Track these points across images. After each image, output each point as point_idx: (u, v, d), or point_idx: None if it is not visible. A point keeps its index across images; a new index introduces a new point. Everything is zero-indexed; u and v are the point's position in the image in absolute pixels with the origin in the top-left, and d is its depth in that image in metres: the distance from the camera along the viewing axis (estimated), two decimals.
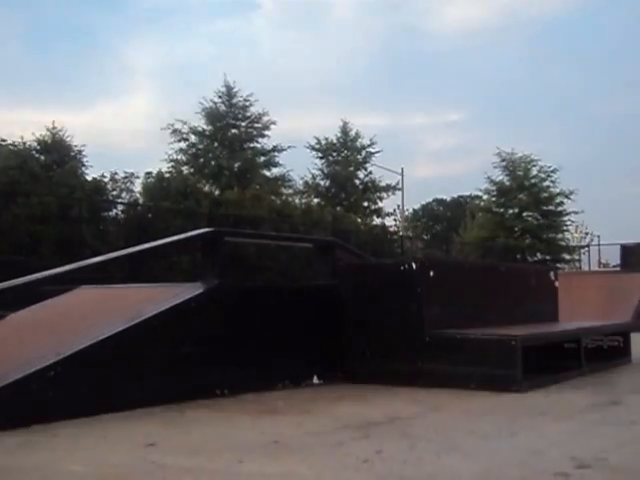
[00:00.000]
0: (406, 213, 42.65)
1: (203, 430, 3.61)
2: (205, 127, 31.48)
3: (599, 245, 35.21)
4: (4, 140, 21.15)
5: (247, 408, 4.18)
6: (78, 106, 53.97)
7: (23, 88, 58.28)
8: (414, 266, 5.28)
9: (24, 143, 22.46)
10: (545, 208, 35.46)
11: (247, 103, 31.65)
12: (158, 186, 21.31)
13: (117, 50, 61.20)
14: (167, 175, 23.26)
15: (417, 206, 55.70)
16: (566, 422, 3.81)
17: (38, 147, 23.85)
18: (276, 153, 32.13)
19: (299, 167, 45.20)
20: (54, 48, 63.93)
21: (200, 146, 31.32)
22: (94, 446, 3.19)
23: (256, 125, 31.90)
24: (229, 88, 31.57)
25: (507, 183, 35.44)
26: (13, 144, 21.39)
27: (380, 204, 36.29)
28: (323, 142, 35.56)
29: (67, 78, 57.67)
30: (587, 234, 38.34)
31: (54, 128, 24.78)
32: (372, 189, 35.86)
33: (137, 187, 21.47)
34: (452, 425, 3.73)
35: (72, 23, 58.00)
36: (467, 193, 48.02)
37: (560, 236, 36.44)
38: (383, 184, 36.11)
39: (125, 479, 2.68)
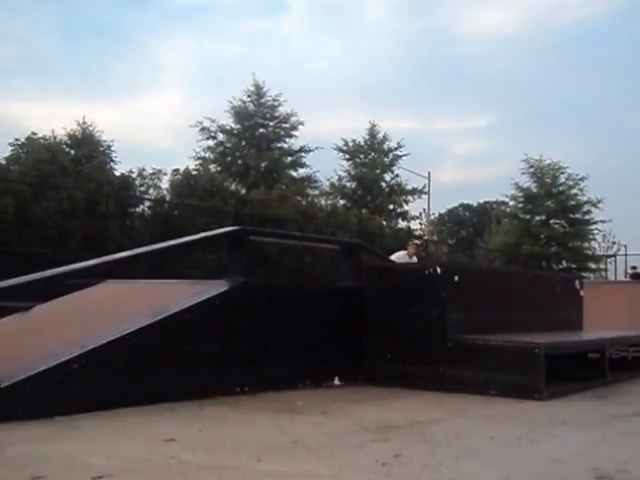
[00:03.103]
0: (431, 217, 42.47)
1: (223, 427, 3.62)
2: (233, 126, 31.59)
3: (626, 255, 34.83)
4: (35, 134, 21.38)
5: (267, 407, 4.19)
6: (108, 102, 54.35)
7: (54, 83, 58.84)
8: (439, 271, 5.27)
9: (55, 137, 22.68)
10: (572, 216, 35.16)
11: (276, 103, 31.73)
12: (185, 183, 21.41)
13: (148, 47, 61.67)
14: (194, 173, 23.33)
15: (443, 210, 55.44)
16: (588, 432, 3.77)
17: (68, 141, 24.05)
18: (303, 154, 32.17)
19: (325, 168, 45.25)
20: (85, 44, 64.49)
21: (228, 145, 31.42)
22: (114, 439, 3.21)
23: (284, 125, 31.95)
24: (258, 87, 31.66)
25: (534, 190, 35.18)
26: (44, 138, 21.60)
27: (406, 207, 36.15)
28: (350, 144, 35.50)
29: (98, 74, 58.09)
30: (614, 243, 37.93)
31: (84, 123, 24.99)
32: (398, 192, 35.72)
33: (164, 184, 21.63)
34: (472, 431, 3.71)
35: (103, 20, 58.45)
36: (493, 199, 47.66)
37: (586, 245, 36.11)
38: (409, 187, 35.99)
39: (144, 473, 2.70)
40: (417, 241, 14.02)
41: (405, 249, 12.95)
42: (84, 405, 3.65)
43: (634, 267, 24.03)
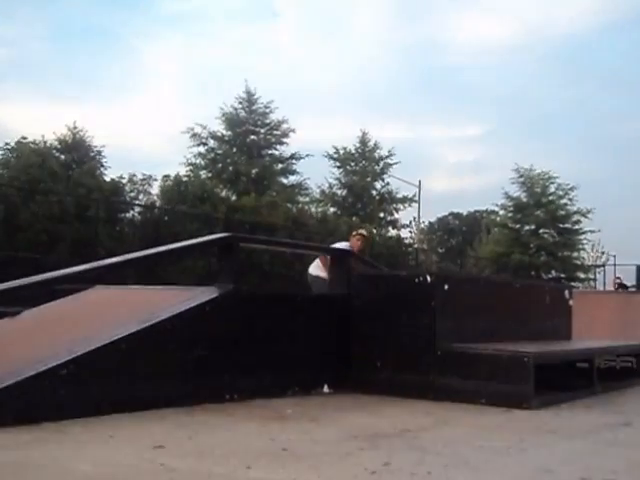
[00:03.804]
0: (422, 226, 42.54)
1: (212, 434, 3.61)
2: (224, 132, 31.57)
3: (615, 265, 34.98)
4: (25, 138, 21.32)
5: (256, 414, 4.18)
6: (99, 107, 54.23)
7: (45, 87, 58.73)
8: (429, 279, 5.27)
9: (45, 142, 22.64)
10: (561, 226, 35.33)
11: (267, 110, 31.73)
12: (175, 189, 21.40)
13: (140, 53, 61.56)
14: (185, 179, 23.32)
15: (433, 219, 55.58)
16: (576, 441, 3.78)
17: (58, 146, 24.00)
18: (294, 161, 32.18)
19: (316, 176, 45.21)
20: (77, 48, 64.37)
21: (219, 151, 31.39)
22: (102, 446, 3.19)
23: (275, 132, 31.96)
24: (249, 94, 31.66)
25: (524, 199, 35.34)
26: (34, 142, 21.55)
27: (396, 215, 36.20)
28: (341, 152, 35.54)
29: (89, 78, 57.96)
30: (603, 253, 38.14)
31: (74, 128, 24.96)
32: (389, 200, 35.77)
33: (155, 190, 21.62)
34: (461, 439, 3.72)
35: (96, 24, 58.30)
36: (483, 208, 47.85)
37: (576, 254, 36.29)
38: (400, 196, 36.03)
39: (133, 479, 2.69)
40: (363, 231, 10.47)
41: (348, 241, 9.67)
42: (72, 411, 3.63)
43: (618, 277, 24.30)
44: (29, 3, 55.29)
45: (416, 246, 34.47)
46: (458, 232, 57.56)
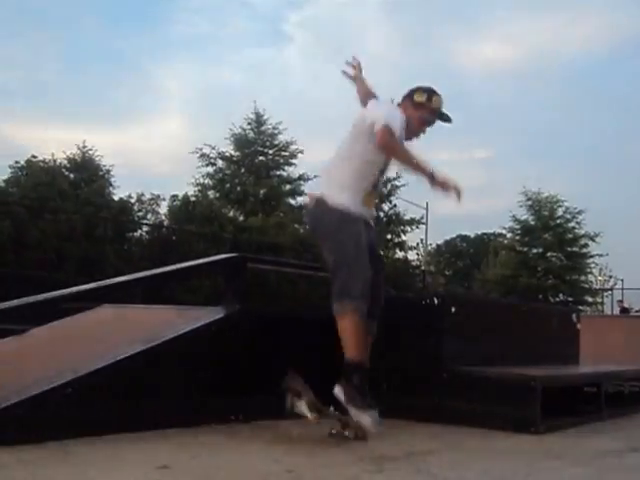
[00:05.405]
0: (429, 248, 42.50)
1: (216, 455, 3.59)
2: (233, 153, 31.74)
3: (622, 289, 34.87)
4: (35, 157, 21.46)
5: (261, 435, 4.15)
6: (109, 126, 54.66)
7: (56, 107, 59.17)
8: (436, 301, 5.26)
9: (54, 160, 22.79)
10: (569, 249, 35.28)
11: (275, 131, 31.90)
12: (183, 209, 21.51)
13: (150, 74, 62.11)
14: (193, 199, 23.44)
15: (440, 241, 55.57)
16: (584, 467, 3.75)
17: (68, 165, 24.14)
18: (302, 182, 32.27)
19: None
20: (88, 69, 64.98)
21: (227, 171, 31.53)
22: (107, 466, 3.18)
23: (283, 153, 32.11)
24: (258, 115, 31.86)
25: (532, 222, 35.32)
26: (44, 161, 21.69)
27: (403, 237, 36.21)
28: None
29: (100, 99, 58.52)
30: (611, 277, 38.05)
31: (84, 147, 25.10)
32: (396, 222, 35.79)
33: (163, 209, 21.73)
34: (468, 464, 3.68)
35: (109, 47, 59.00)
36: (491, 230, 47.85)
37: (583, 278, 36.19)
38: (407, 218, 36.08)
39: None
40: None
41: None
42: (76, 431, 3.62)
43: (620, 301, 24.25)
44: (43, 25, 55.87)
45: (423, 268, 34.43)
46: (465, 255, 57.55)
